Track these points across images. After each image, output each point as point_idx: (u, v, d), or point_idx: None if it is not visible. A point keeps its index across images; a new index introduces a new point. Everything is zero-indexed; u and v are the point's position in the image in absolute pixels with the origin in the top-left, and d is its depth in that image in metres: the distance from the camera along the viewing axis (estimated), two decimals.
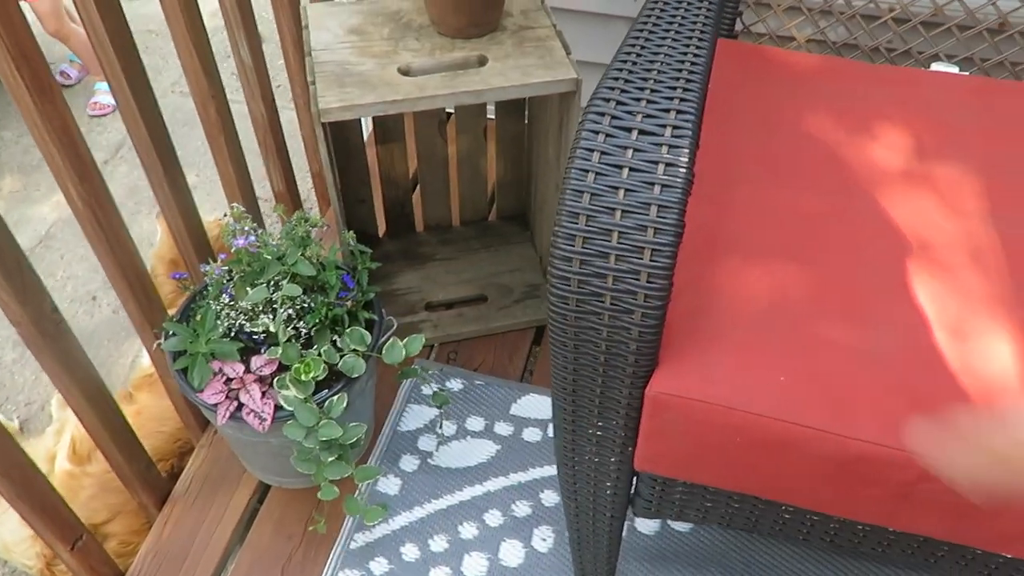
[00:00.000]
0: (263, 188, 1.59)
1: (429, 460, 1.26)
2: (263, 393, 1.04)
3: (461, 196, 1.58)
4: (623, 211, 0.66)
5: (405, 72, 1.10)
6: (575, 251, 0.67)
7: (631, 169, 0.67)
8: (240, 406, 1.04)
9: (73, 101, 2.55)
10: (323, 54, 1.14)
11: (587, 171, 0.68)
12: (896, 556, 0.87)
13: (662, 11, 0.88)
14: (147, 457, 1.21)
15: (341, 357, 1.06)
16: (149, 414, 1.37)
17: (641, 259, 0.66)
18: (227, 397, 1.04)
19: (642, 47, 0.80)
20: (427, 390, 1.35)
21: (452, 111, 1.51)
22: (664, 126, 0.69)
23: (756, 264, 0.83)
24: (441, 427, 1.30)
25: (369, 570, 1.13)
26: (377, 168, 1.50)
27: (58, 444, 1.40)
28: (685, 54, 0.79)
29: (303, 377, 1.01)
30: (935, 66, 1.13)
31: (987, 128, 1.01)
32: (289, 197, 1.59)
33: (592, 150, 0.69)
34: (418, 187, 1.57)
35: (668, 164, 0.67)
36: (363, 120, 1.60)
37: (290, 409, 1.02)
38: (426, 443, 1.28)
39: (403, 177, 1.51)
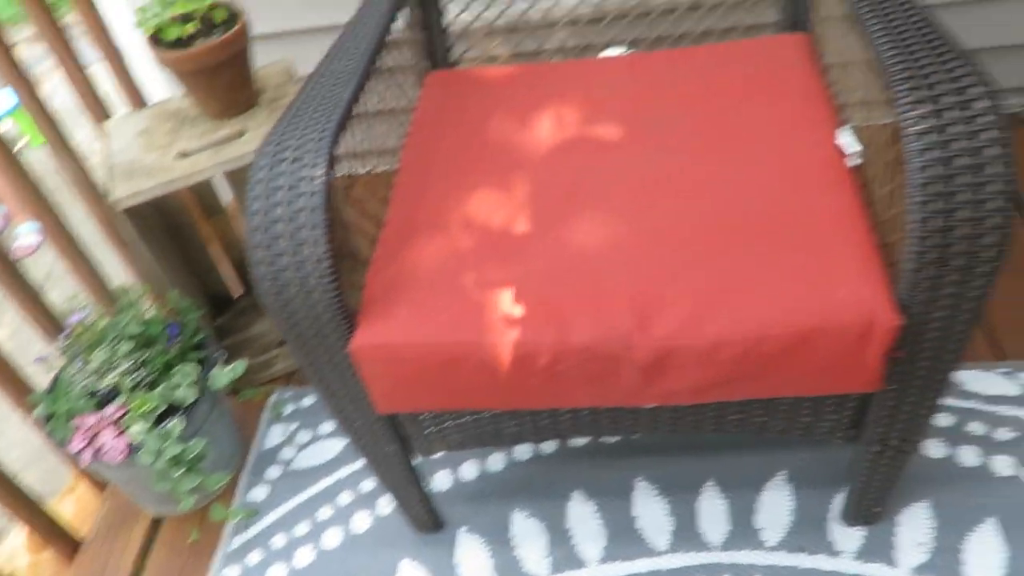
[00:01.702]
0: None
1: (290, 466, 1.48)
2: (118, 433, 1.27)
3: None
4: (288, 219, 0.91)
5: (183, 155, 1.35)
6: (264, 255, 0.92)
7: (288, 188, 0.92)
8: (100, 449, 1.27)
9: None
10: (118, 155, 1.40)
11: (258, 195, 0.93)
12: (643, 427, 1.12)
13: (336, 58, 1.13)
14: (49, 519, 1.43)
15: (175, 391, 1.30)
16: None
17: (305, 250, 0.91)
18: (89, 444, 1.27)
19: (311, 89, 1.06)
20: (286, 410, 1.58)
21: None
22: (307, 152, 0.94)
23: (440, 237, 1.08)
24: (295, 436, 1.53)
25: (245, 563, 1.35)
26: (221, 236, 1.75)
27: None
28: (341, 93, 1.04)
29: (140, 412, 1.24)
30: (606, 52, 1.40)
31: (635, 92, 1.27)
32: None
33: (260, 180, 0.94)
34: None
35: (310, 179, 0.92)
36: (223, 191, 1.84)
37: (140, 440, 1.25)
38: (287, 453, 1.51)
39: (241, 240, 1.76)
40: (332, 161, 0.94)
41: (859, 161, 1.06)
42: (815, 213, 1.01)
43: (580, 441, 1.42)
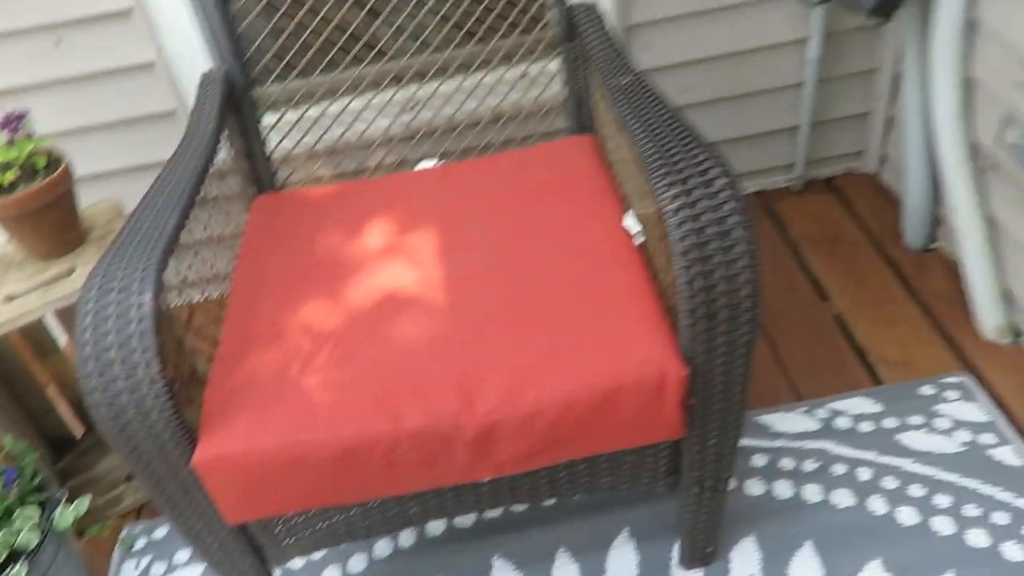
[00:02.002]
0: None
1: None
2: None
3: None
4: (119, 345, 0.95)
5: (9, 299, 1.36)
6: (98, 383, 0.95)
7: (117, 316, 0.97)
8: None
9: None
10: None
11: (88, 326, 0.97)
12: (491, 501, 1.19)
13: (160, 191, 1.20)
14: None
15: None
16: None
17: (139, 373, 0.95)
18: None
19: (136, 222, 1.11)
20: (138, 544, 1.55)
21: None
22: (134, 280, 0.99)
23: (273, 347, 1.14)
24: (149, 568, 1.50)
25: None
26: (58, 377, 1.72)
27: None
28: (166, 223, 1.11)
29: None
30: (420, 165, 1.53)
31: (448, 199, 1.40)
32: None
33: (89, 310, 0.98)
34: None
35: (139, 305, 0.97)
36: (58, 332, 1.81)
37: None
38: None
39: (74, 380, 1.74)
40: (160, 286, 0.99)
41: (642, 239, 1.22)
42: (610, 288, 1.15)
43: (436, 529, 1.48)
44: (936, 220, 1.89)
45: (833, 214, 2.06)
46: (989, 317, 1.68)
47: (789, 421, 1.56)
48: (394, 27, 1.49)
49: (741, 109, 1.99)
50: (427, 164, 1.53)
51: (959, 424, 1.50)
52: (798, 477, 1.46)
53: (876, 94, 2.03)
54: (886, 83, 1.98)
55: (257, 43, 1.47)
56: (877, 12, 1.52)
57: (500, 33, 1.52)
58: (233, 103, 1.47)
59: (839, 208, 2.08)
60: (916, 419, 1.53)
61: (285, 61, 1.52)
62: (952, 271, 1.82)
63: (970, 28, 1.60)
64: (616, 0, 1.73)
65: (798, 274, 1.91)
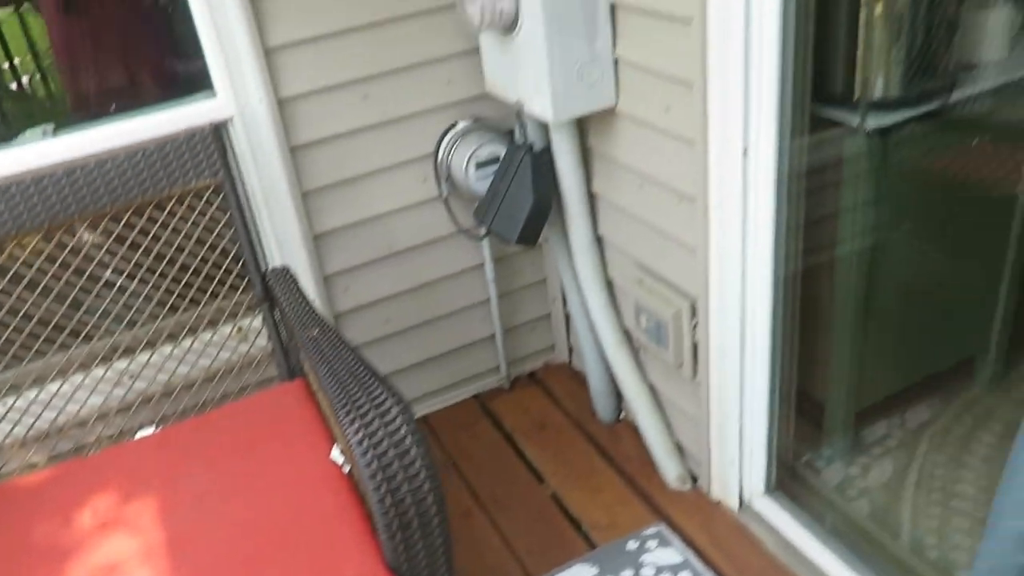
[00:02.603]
0: None
1: None
2: None
3: None
4: None
5: None
6: None
7: None
8: None
9: None
10: None
11: None
12: None
13: None
14: None
15: None
16: None
17: None
18: None
19: None
20: None
21: None
22: None
23: None
24: None
25: None
26: None
27: None
28: None
29: None
30: (139, 433, 1.60)
31: (167, 465, 1.49)
32: None
33: None
34: None
35: None
36: None
37: None
38: None
39: None
40: None
41: (348, 467, 1.38)
42: (322, 517, 1.29)
43: None
44: (618, 394, 2.22)
45: (539, 404, 2.36)
46: (669, 469, 2.00)
47: None
48: (98, 313, 1.60)
49: (442, 328, 2.28)
50: (145, 432, 1.61)
51: (660, 569, 1.75)
52: None
53: (551, 298, 2.40)
54: (556, 288, 2.37)
55: None
56: (521, 242, 1.87)
57: (203, 303, 1.68)
58: None
59: (543, 397, 2.38)
60: (627, 573, 1.75)
61: None
62: (638, 436, 2.14)
63: (599, 242, 2.00)
64: (310, 257, 1.98)
65: (517, 463, 2.14)
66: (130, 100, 2.02)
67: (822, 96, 1.49)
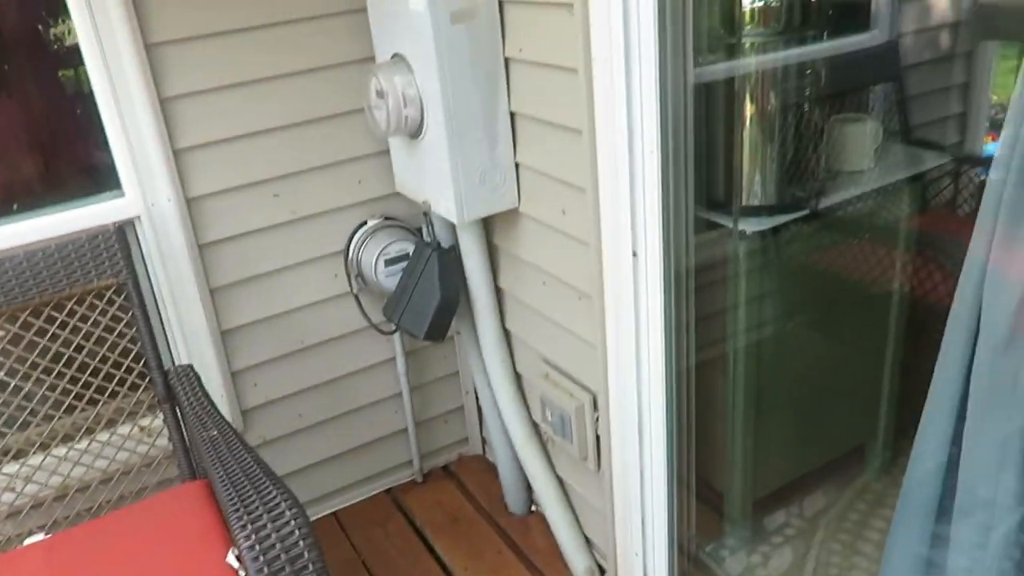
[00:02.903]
0: None
1: None
2: None
3: None
4: None
5: None
6: None
7: None
8: None
9: None
10: None
11: None
12: None
13: None
14: None
15: None
16: None
17: None
18: None
19: None
20: None
21: None
22: None
23: None
24: None
25: None
26: None
27: None
28: None
29: None
30: (28, 540, 1.55)
31: (56, 572, 1.44)
32: None
33: None
34: None
35: None
36: None
37: None
38: None
39: None
40: None
41: (243, 572, 1.36)
42: None
43: None
44: (529, 486, 2.24)
45: (452, 497, 2.35)
46: (578, 562, 2.01)
47: None
48: None
49: (354, 422, 2.27)
50: (35, 538, 1.55)
51: None
52: None
53: (464, 390, 2.43)
54: (469, 381, 2.40)
55: None
56: (429, 337, 1.91)
57: (101, 403, 1.66)
58: None
59: (456, 490, 2.38)
60: None
61: None
62: (548, 528, 2.15)
63: (507, 336, 2.05)
64: (217, 353, 1.97)
65: (428, 559, 2.13)
66: (35, 196, 2.01)
67: (706, 203, 1.59)
